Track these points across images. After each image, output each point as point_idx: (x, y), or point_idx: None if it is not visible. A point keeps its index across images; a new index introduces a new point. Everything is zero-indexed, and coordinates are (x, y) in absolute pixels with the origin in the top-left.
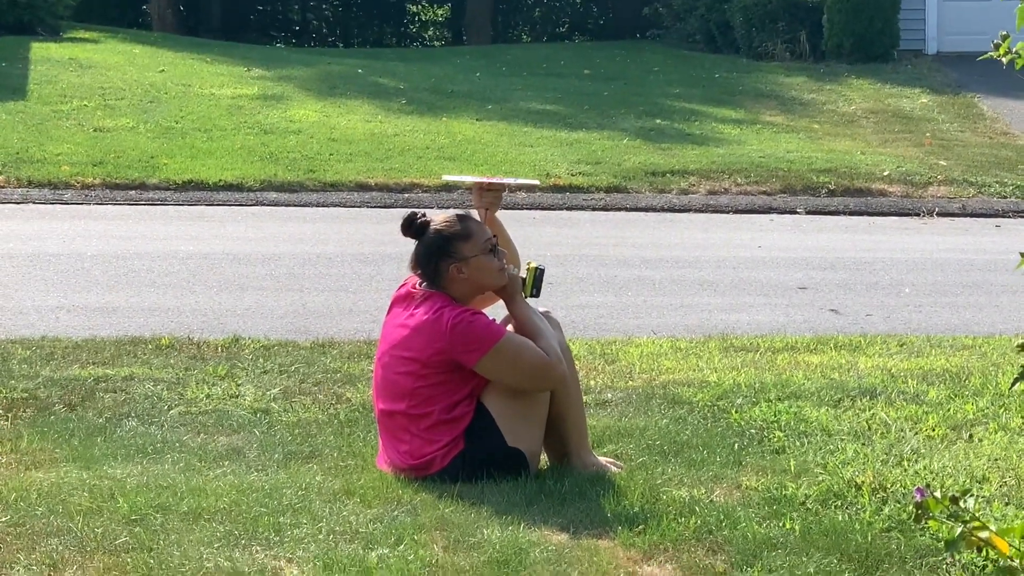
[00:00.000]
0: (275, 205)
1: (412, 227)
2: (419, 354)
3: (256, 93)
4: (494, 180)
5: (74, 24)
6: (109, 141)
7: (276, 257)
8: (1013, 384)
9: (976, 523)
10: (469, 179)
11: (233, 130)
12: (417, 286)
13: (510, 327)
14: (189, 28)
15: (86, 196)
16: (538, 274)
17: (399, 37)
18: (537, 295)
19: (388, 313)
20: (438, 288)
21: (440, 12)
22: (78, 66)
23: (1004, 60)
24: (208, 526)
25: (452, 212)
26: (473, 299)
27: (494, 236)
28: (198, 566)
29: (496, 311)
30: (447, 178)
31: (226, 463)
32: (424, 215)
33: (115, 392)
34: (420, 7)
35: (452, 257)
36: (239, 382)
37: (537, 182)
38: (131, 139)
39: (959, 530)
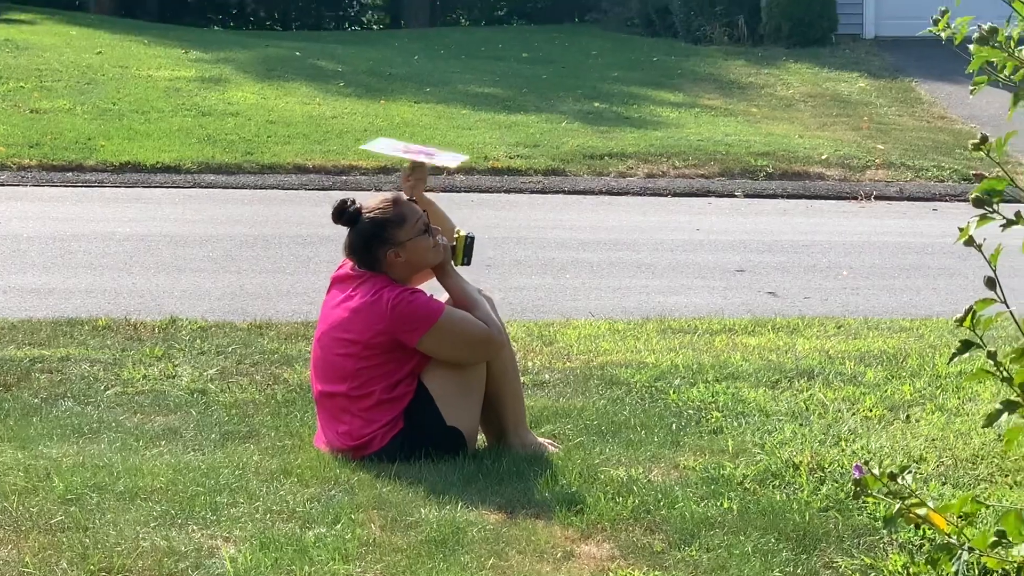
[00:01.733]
0: (213, 187)
1: (344, 215)
2: (360, 335)
3: (194, 75)
4: (411, 148)
5: (10, 5)
6: (46, 122)
7: (214, 239)
8: (951, 359)
9: (914, 500)
10: (387, 151)
11: (171, 112)
12: (355, 268)
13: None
14: (127, 10)
15: (22, 177)
16: (468, 242)
17: (338, 20)
18: (468, 263)
19: (327, 294)
20: (376, 272)
21: None
22: (14, 47)
23: (943, 36)
24: (144, 506)
25: (382, 196)
26: (411, 278)
27: (425, 212)
28: (134, 545)
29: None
30: (365, 147)
31: (163, 443)
32: (354, 202)
33: (51, 372)
34: None
35: (388, 243)
36: (176, 363)
37: (465, 157)
38: (68, 120)
39: (897, 507)
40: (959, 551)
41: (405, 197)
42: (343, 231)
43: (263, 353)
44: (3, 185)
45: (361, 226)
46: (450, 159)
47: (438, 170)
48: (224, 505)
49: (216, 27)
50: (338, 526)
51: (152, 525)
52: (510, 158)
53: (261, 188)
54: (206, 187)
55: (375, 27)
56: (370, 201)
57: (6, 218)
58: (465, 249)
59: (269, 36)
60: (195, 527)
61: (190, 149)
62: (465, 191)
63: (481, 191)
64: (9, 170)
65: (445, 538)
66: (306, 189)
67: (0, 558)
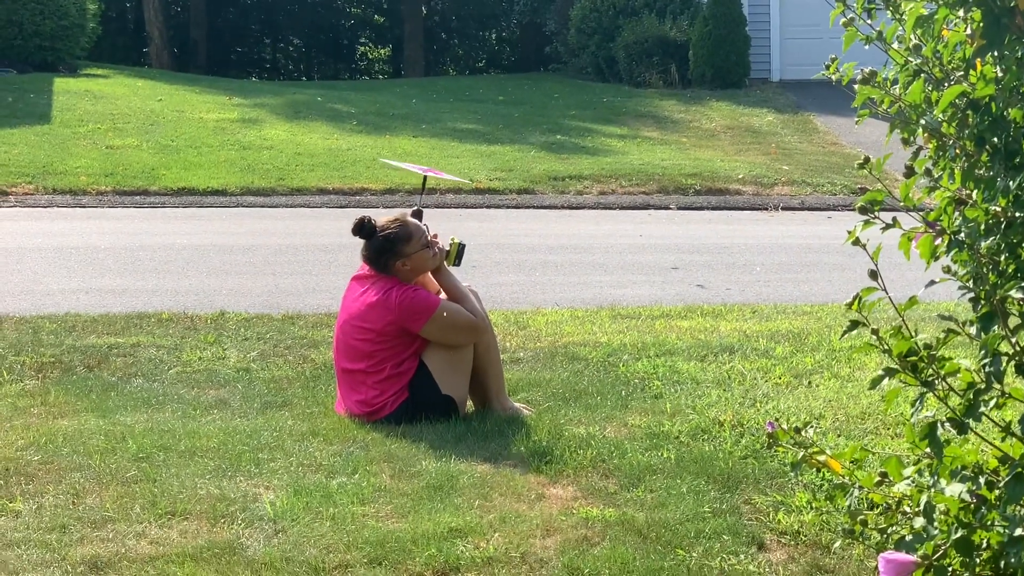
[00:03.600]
0: (252, 206)
1: (362, 231)
2: (374, 325)
3: (236, 117)
4: (430, 171)
5: (89, 63)
6: (118, 156)
7: (254, 248)
8: (843, 335)
9: (815, 448)
10: (406, 166)
11: (218, 147)
12: (371, 270)
13: (443, 294)
14: (181, 66)
15: (100, 201)
16: (460, 248)
17: (351, 72)
18: (459, 264)
19: (348, 288)
20: (387, 275)
21: (383, 52)
22: (92, 97)
23: (833, 78)
24: (201, 461)
25: (393, 215)
26: (414, 279)
27: (426, 226)
28: (193, 493)
29: None
30: (383, 161)
31: (215, 411)
32: (371, 220)
33: (125, 356)
34: (367, 47)
35: (397, 256)
36: (225, 347)
37: (468, 181)
38: (136, 155)
39: (801, 454)
40: (851, 489)
41: (411, 215)
42: (357, 241)
43: (295, 339)
44: (85, 207)
45: (376, 241)
46: (456, 178)
47: (431, 191)
48: (265, 460)
49: (254, 78)
50: (356, 476)
51: (207, 477)
52: (490, 180)
53: (291, 207)
54: (247, 206)
55: (380, 77)
56: (383, 219)
57: (87, 233)
58: (457, 253)
59: (296, 85)
60: (242, 478)
61: (234, 176)
62: (455, 207)
63: (467, 207)
64: (89, 194)
65: (442, 484)
66: (327, 207)
67: (86, 504)
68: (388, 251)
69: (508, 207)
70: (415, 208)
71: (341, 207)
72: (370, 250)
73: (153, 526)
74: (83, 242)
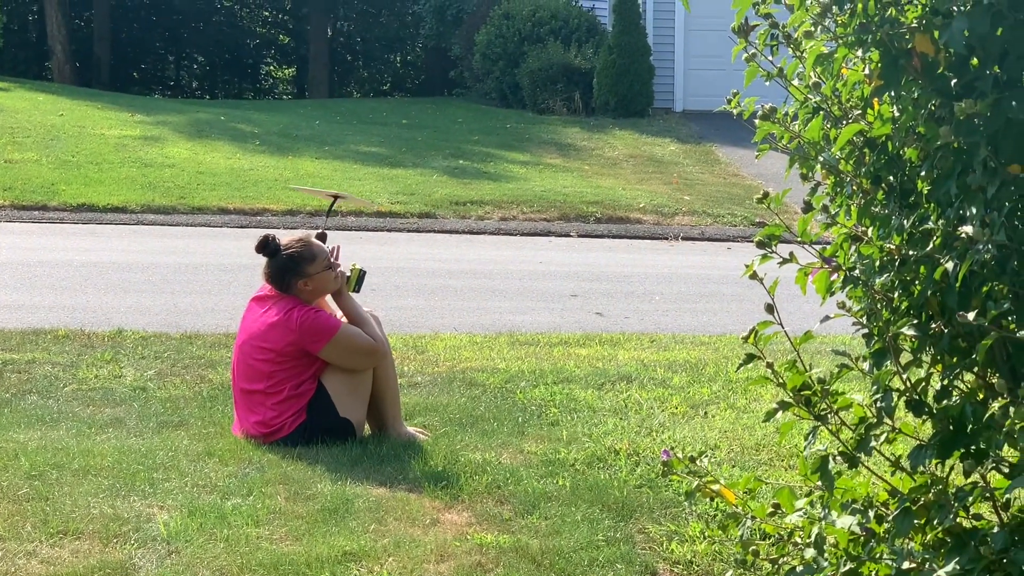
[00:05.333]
0: (153, 224)
1: (266, 248)
2: (275, 345)
3: (138, 134)
4: (341, 194)
5: None
6: (17, 171)
7: (153, 266)
8: (739, 368)
9: (710, 478)
10: (311, 191)
11: (119, 163)
12: (272, 290)
13: (344, 317)
14: (84, 81)
15: None
16: (361, 274)
17: (255, 91)
18: (358, 291)
19: (248, 308)
20: (288, 294)
21: (288, 72)
22: None
23: (735, 112)
24: (95, 480)
25: (297, 235)
26: (315, 300)
27: (330, 248)
28: (86, 512)
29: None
30: (294, 188)
31: (110, 430)
32: (275, 238)
33: (20, 372)
34: (272, 67)
35: (300, 275)
36: (122, 365)
37: (372, 203)
38: (35, 169)
39: (696, 484)
40: (744, 519)
41: (315, 238)
42: (259, 261)
43: (192, 358)
44: None
45: (279, 260)
46: (364, 201)
47: (335, 213)
48: (159, 480)
49: (157, 95)
50: (251, 497)
51: (101, 496)
52: (391, 204)
53: (192, 226)
54: (148, 224)
55: (285, 97)
56: (287, 238)
57: None
58: (358, 280)
59: (199, 104)
60: (136, 498)
61: (134, 193)
62: (355, 229)
63: (368, 230)
64: None
65: (337, 507)
66: (228, 227)
67: None
68: (291, 270)
69: (409, 231)
70: (319, 231)
71: (242, 227)
72: (273, 268)
73: (44, 545)
74: None
